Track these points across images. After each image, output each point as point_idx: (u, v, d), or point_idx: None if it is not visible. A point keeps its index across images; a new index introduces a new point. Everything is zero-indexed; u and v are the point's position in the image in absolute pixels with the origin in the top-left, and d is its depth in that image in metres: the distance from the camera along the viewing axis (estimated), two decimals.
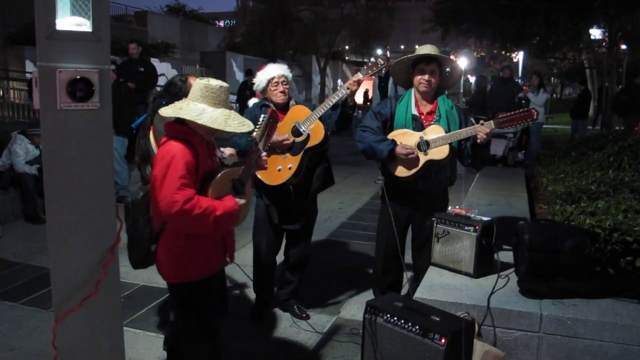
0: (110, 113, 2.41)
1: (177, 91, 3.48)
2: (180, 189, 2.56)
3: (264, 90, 4.19)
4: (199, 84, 2.74)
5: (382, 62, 3.98)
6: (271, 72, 4.14)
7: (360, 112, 19.36)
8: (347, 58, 39.09)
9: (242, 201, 2.79)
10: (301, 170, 4.06)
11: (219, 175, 2.75)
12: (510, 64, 20.73)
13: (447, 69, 3.98)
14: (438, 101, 3.94)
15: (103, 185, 2.44)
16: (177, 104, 2.77)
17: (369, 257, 5.68)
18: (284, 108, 4.17)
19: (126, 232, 2.81)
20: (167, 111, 2.72)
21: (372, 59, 4.03)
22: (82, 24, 2.27)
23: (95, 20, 2.29)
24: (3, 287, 5.05)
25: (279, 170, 4.04)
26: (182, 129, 2.73)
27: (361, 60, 39.39)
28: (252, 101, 4.58)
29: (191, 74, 3.66)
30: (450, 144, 3.76)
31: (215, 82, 2.74)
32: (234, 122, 2.72)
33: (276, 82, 4.12)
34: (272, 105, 4.14)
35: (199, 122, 2.65)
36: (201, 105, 2.69)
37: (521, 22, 13.55)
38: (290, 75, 4.23)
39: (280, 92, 4.13)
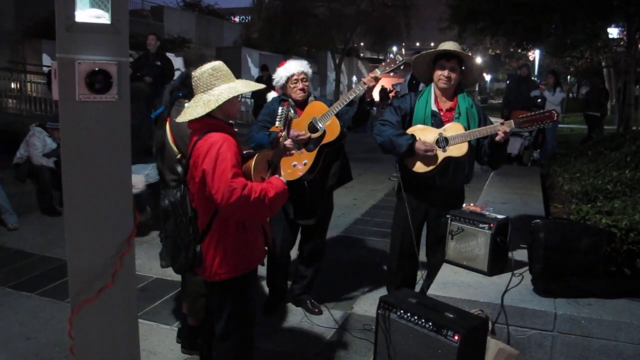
0: (128, 105, 2.43)
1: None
2: (235, 177, 2.59)
3: (283, 86, 4.18)
4: (203, 73, 2.73)
5: (400, 58, 3.93)
6: (291, 69, 4.13)
7: (375, 109, 19.35)
8: (362, 55, 39.04)
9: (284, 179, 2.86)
10: (316, 166, 4.06)
11: (258, 156, 2.81)
12: (528, 63, 20.60)
13: (475, 62, 3.93)
14: (458, 98, 3.91)
15: (120, 176, 2.46)
16: (196, 103, 2.73)
17: (383, 254, 5.68)
18: (302, 104, 4.17)
19: (165, 236, 2.75)
20: (198, 110, 2.68)
21: (391, 56, 4.01)
22: (101, 16, 2.29)
23: (114, 12, 2.31)
24: (20, 277, 5.11)
25: (294, 165, 4.04)
26: (215, 122, 2.74)
27: (377, 57, 39.30)
28: (272, 95, 4.58)
29: None
30: (469, 142, 3.74)
31: (217, 62, 2.79)
32: (252, 84, 2.98)
33: (295, 79, 4.12)
34: (290, 100, 4.14)
35: (243, 92, 2.75)
36: (224, 85, 2.73)
37: (538, 20, 13.46)
38: (310, 71, 4.22)
39: (300, 89, 4.12)
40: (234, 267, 2.81)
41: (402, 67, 4.03)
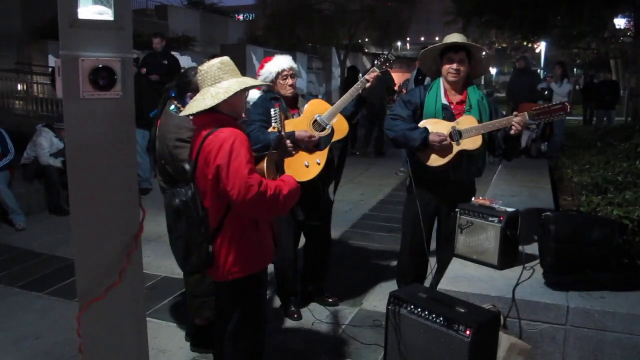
0: (132, 102, 2.40)
1: (184, 85, 3.42)
2: (251, 173, 2.55)
3: (272, 82, 4.07)
4: (211, 66, 2.69)
5: (393, 57, 4.03)
6: (281, 64, 4.03)
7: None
8: (367, 50, 38.83)
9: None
10: (328, 164, 4.03)
11: (269, 156, 2.80)
12: (526, 55, 20.48)
13: (483, 53, 3.88)
14: (468, 91, 3.87)
15: (126, 174, 2.43)
16: (203, 96, 2.68)
17: (391, 249, 5.65)
18: (291, 101, 4.11)
19: (177, 237, 2.71)
20: (207, 102, 2.63)
21: (382, 57, 4.06)
22: (104, 13, 2.26)
23: (116, 8, 2.28)
24: (28, 277, 5.12)
25: (307, 165, 3.97)
26: (224, 117, 2.69)
27: (381, 52, 39.14)
28: (256, 94, 4.44)
29: None
30: (482, 135, 3.70)
31: (224, 57, 2.77)
32: (260, 80, 3.06)
33: (286, 74, 4.02)
34: (280, 97, 4.06)
35: (253, 85, 2.78)
36: (232, 79, 2.69)
37: (544, 12, 13.35)
38: (297, 68, 4.16)
39: (290, 85, 4.04)
40: (247, 265, 2.78)
41: (391, 63, 4.07)
